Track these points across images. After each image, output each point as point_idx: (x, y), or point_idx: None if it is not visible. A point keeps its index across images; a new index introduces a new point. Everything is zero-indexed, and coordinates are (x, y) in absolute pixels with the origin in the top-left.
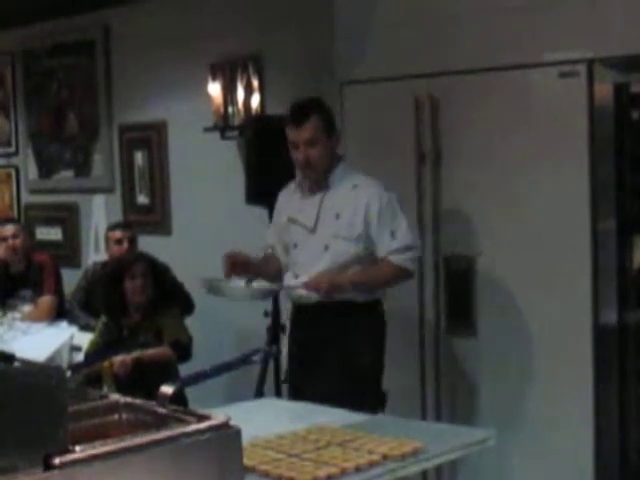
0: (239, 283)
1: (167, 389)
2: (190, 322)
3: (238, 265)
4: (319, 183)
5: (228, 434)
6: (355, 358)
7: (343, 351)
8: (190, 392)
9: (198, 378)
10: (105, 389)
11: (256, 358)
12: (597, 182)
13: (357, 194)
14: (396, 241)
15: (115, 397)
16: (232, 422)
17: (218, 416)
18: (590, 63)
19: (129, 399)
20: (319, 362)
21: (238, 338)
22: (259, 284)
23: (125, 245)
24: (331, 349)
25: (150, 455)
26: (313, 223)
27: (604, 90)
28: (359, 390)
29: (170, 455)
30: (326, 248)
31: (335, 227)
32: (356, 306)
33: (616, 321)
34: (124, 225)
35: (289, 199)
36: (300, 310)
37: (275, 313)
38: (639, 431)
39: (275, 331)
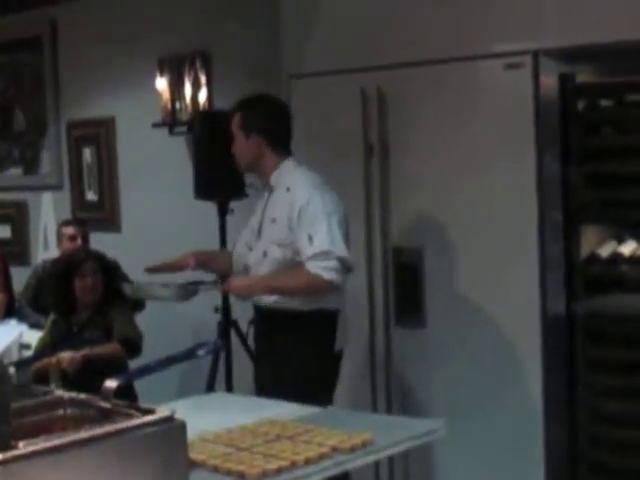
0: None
1: (111, 383)
2: (142, 319)
3: (190, 261)
4: (266, 185)
5: (172, 428)
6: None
7: (284, 358)
8: (140, 387)
9: (142, 372)
10: (52, 386)
11: (201, 352)
12: (544, 172)
13: (289, 197)
14: (313, 246)
15: (60, 393)
16: (181, 416)
17: (162, 410)
18: (535, 54)
19: (74, 394)
20: (268, 364)
21: (190, 334)
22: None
23: (78, 241)
24: (275, 354)
25: (94, 450)
26: (257, 228)
27: (549, 81)
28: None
29: (114, 449)
30: (265, 254)
31: (271, 233)
32: (298, 315)
33: (564, 311)
34: (78, 221)
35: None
36: (256, 311)
37: (225, 309)
38: (588, 419)
39: (225, 326)
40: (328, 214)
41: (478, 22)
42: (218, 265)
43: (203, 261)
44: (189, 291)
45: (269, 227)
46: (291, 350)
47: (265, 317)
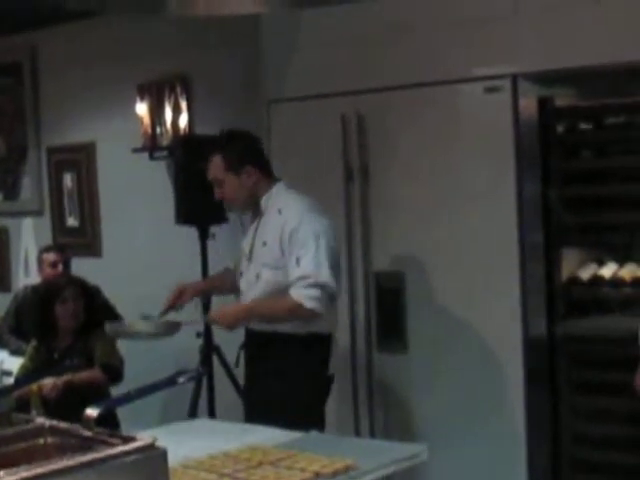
0: (142, 324)
1: (92, 412)
2: (123, 344)
3: (187, 291)
4: (256, 209)
5: (153, 456)
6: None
7: (278, 382)
8: (123, 413)
9: (123, 400)
10: (33, 413)
11: (182, 380)
12: (524, 195)
13: (280, 219)
14: (299, 269)
15: (40, 421)
16: (163, 443)
17: (144, 438)
18: (514, 78)
19: (54, 422)
20: (260, 389)
21: (172, 359)
22: (160, 322)
23: (59, 268)
24: (267, 378)
25: (75, 478)
26: (249, 251)
27: (529, 104)
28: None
29: (95, 478)
30: (257, 277)
31: (263, 255)
32: (293, 338)
33: (545, 333)
34: (58, 247)
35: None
36: (249, 335)
37: (207, 334)
38: (571, 442)
39: (207, 351)
40: (317, 237)
41: (457, 46)
42: (226, 285)
43: (204, 289)
44: (171, 327)
45: (260, 250)
46: (285, 373)
47: (259, 341)
